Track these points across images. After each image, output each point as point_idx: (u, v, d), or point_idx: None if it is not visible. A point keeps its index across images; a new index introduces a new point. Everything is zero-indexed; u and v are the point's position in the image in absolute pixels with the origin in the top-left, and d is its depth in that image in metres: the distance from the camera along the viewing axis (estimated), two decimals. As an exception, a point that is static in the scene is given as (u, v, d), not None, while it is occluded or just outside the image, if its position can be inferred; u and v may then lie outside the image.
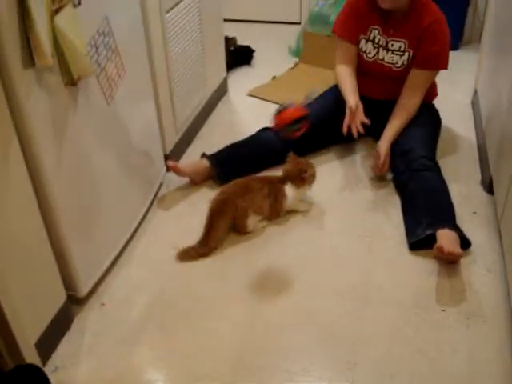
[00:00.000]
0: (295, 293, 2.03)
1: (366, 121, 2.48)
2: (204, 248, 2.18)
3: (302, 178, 2.32)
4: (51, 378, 1.47)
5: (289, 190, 2.32)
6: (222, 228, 2.22)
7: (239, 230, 2.28)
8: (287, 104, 2.00)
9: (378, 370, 1.74)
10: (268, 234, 2.30)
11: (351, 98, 2.55)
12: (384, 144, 2.51)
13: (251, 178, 2.35)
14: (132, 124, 2.16)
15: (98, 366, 1.79)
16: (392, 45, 2.55)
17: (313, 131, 2.67)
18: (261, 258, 2.18)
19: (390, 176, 2.57)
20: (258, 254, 2.20)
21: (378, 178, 2.57)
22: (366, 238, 2.26)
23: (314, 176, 2.36)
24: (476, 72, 3.17)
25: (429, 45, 2.48)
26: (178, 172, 2.54)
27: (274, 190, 2.31)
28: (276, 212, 2.34)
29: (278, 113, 2.00)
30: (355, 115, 2.48)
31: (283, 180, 2.33)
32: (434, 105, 2.77)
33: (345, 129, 2.49)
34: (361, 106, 2.51)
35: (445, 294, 1.99)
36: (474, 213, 2.36)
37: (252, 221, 2.26)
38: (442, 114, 2.76)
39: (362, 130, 2.46)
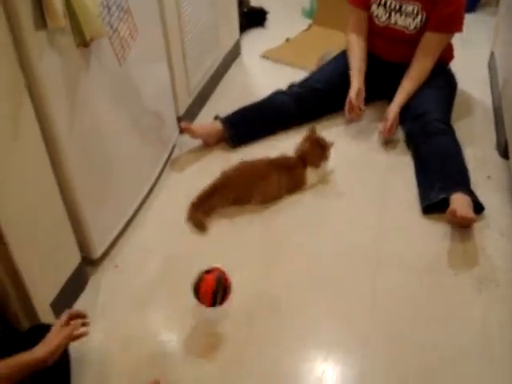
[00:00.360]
0: (307, 258, 2.04)
1: (363, 107, 2.57)
2: (194, 211, 2.19)
3: (321, 158, 2.29)
4: (66, 337, 1.49)
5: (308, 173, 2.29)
6: (219, 202, 2.21)
7: (239, 204, 2.26)
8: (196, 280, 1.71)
9: (390, 335, 1.75)
10: (279, 200, 2.29)
11: (354, 82, 2.59)
12: (393, 108, 2.50)
13: (270, 162, 2.29)
14: (145, 85, 2.15)
15: (111, 326, 1.81)
16: (405, 7, 2.50)
17: (325, 95, 2.68)
18: (272, 223, 2.18)
19: (398, 137, 2.56)
20: (270, 219, 2.21)
21: (387, 141, 2.55)
22: (377, 201, 2.26)
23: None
24: (493, 34, 3.11)
25: (443, 6, 2.43)
26: (191, 133, 2.53)
27: (294, 178, 2.29)
28: (294, 191, 2.31)
29: (196, 294, 1.70)
30: (353, 105, 2.55)
31: (301, 161, 2.29)
32: (449, 67, 2.73)
33: (347, 116, 2.62)
34: (362, 94, 2.58)
35: (457, 259, 1.99)
36: (489, 177, 2.34)
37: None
38: (457, 77, 2.72)
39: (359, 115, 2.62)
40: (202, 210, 2.19)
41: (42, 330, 1.47)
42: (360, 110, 2.56)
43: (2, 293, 1.53)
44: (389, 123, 2.46)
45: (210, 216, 2.19)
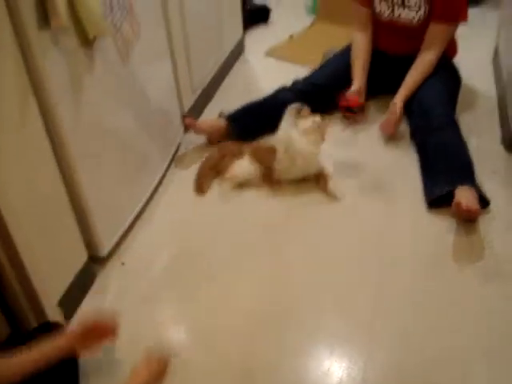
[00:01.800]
0: (310, 251, 2.04)
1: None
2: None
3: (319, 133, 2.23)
4: (75, 334, 1.50)
5: (304, 142, 2.24)
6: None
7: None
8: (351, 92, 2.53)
9: (395, 329, 1.75)
10: (284, 192, 2.31)
11: (355, 84, 2.64)
12: (398, 103, 2.51)
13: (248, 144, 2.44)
14: (149, 84, 2.16)
15: (120, 323, 1.82)
16: (408, 1, 2.51)
17: (329, 91, 2.68)
18: (275, 219, 2.19)
19: (401, 133, 2.57)
20: (275, 206, 2.22)
21: (390, 137, 2.56)
22: (382, 196, 2.26)
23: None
24: (497, 28, 3.10)
25: None
26: (195, 129, 2.54)
27: (258, 155, 2.35)
28: (269, 178, 2.34)
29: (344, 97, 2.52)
30: None
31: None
32: (453, 62, 2.72)
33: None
34: (362, 94, 2.62)
35: (463, 252, 1.99)
36: (494, 172, 2.33)
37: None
38: (462, 72, 2.71)
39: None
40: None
41: (50, 328, 1.49)
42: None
43: (10, 291, 1.54)
44: (397, 116, 2.49)
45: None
